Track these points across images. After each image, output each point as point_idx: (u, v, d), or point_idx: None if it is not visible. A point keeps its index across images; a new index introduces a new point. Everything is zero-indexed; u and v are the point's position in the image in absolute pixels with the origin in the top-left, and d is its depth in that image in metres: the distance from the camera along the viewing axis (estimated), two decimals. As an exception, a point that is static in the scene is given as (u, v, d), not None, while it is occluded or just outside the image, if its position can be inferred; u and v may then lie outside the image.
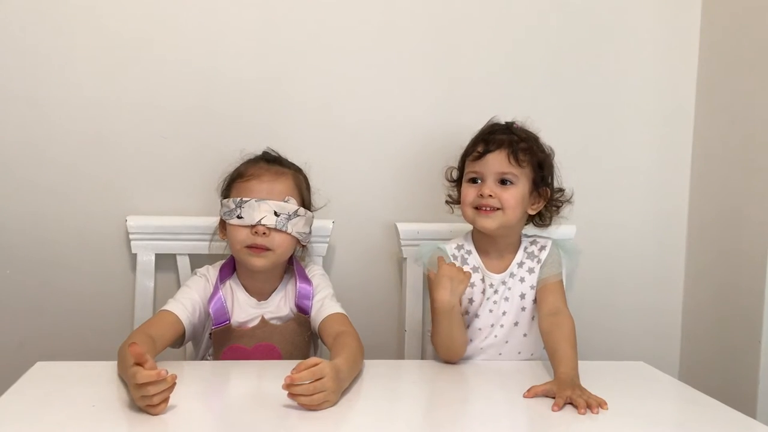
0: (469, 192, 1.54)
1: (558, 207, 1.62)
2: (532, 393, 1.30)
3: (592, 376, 1.36)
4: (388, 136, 1.86)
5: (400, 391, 1.38)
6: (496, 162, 1.52)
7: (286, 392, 1.17)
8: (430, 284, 1.57)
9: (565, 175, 1.63)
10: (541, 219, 1.62)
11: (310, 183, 1.62)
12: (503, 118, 1.60)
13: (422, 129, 1.87)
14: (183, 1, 1.77)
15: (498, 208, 1.51)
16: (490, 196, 1.51)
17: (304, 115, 1.82)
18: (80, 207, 1.77)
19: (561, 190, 1.62)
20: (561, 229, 1.77)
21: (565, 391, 1.27)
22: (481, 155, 1.53)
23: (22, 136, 1.74)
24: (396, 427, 1.17)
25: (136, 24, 1.75)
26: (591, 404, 1.24)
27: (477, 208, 1.53)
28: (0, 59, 1.72)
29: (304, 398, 1.16)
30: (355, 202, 1.85)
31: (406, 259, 1.81)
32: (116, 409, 1.16)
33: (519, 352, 1.58)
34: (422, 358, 1.79)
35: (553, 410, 1.23)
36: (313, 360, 1.20)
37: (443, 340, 1.48)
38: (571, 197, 1.63)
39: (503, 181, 1.52)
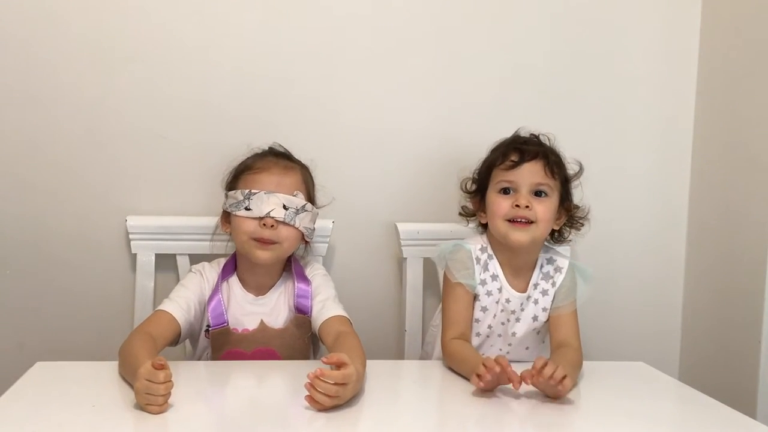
0: (502, 203, 1.46)
1: (579, 223, 1.57)
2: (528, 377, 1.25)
3: (592, 376, 1.36)
4: (388, 136, 1.86)
5: (400, 391, 1.38)
6: (533, 172, 1.46)
7: (303, 383, 1.16)
8: (445, 284, 1.55)
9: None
10: (560, 235, 1.58)
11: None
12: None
13: (422, 129, 1.86)
14: (184, 1, 1.77)
15: (532, 222, 1.45)
16: (527, 207, 1.44)
17: (305, 115, 1.82)
18: (80, 207, 1.77)
19: (576, 206, 1.58)
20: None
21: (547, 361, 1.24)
22: (516, 164, 1.46)
23: (21, 135, 1.74)
24: (396, 427, 1.17)
25: (136, 23, 1.75)
26: (557, 376, 1.20)
27: (510, 220, 1.46)
28: None
29: (321, 396, 1.15)
30: (356, 202, 1.85)
31: (406, 259, 1.81)
32: (116, 409, 1.16)
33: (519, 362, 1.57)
34: (421, 358, 1.79)
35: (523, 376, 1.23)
36: (344, 358, 1.19)
37: (457, 369, 1.42)
38: (587, 213, 1.59)
39: (538, 193, 1.47)
